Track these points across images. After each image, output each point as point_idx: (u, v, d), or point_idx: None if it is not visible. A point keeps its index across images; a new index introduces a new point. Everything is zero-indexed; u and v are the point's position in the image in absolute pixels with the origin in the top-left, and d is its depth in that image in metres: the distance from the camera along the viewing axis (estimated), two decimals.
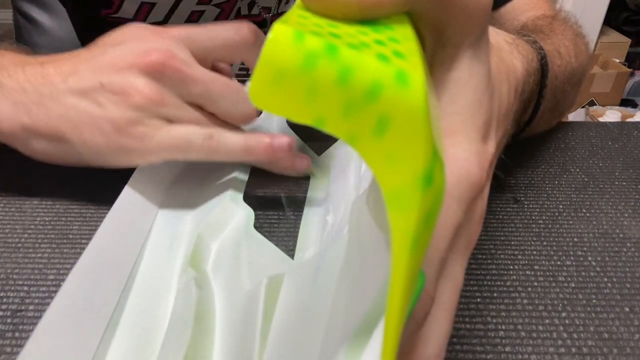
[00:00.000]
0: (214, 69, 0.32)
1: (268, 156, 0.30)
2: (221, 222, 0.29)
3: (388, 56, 0.11)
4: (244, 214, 0.29)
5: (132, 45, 0.28)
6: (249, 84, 0.11)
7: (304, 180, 0.35)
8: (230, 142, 0.29)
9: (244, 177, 0.33)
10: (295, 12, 0.13)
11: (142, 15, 0.46)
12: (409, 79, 0.11)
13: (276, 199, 0.34)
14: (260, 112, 0.32)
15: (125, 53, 0.28)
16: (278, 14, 0.48)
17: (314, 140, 0.38)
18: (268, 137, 0.30)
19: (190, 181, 0.33)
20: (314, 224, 0.31)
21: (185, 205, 0.31)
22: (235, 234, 0.28)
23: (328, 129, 0.11)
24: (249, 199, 0.31)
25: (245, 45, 0.30)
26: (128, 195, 0.28)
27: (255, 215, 0.30)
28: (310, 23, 0.12)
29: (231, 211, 0.29)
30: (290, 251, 0.29)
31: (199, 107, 0.29)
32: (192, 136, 0.28)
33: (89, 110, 0.28)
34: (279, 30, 0.11)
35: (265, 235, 0.28)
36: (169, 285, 0.25)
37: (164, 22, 0.46)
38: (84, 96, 0.28)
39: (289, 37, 0.11)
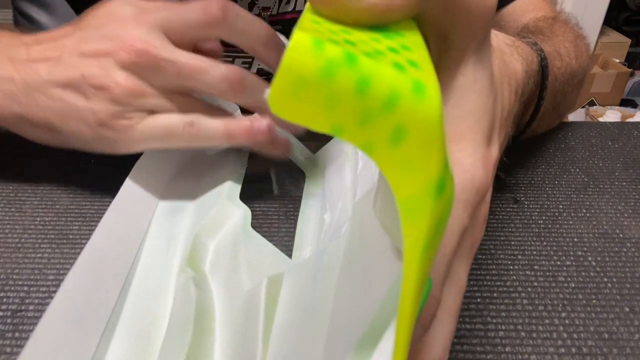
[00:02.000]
0: (200, 49, 0.32)
1: (249, 139, 0.30)
2: (218, 221, 0.29)
3: (404, 65, 0.11)
4: (241, 213, 0.29)
5: (111, 31, 0.29)
6: (268, 91, 0.11)
7: (300, 179, 0.35)
8: (210, 128, 0.29)
9: (240, 175, 0.33)
10: (308, 18, 0.13)
11: None
12: (425, 90, 0.11)
13: (273, 197, 0.34)
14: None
15: (105, 41, 0.28)
16: (278, 14, 0.48)
17: (309, 139, 0.38)
18: (248, 120, 0.30)
19: (186, 181, 0.33)
20: (311, 223, 0.31)
21: (182, 204, 0.31)
22: (233, 233, 0.28)
23: (345, 137, 0.11)
24: (245, 197, 0.31)
25: (215, 23, 0.29)
26: (125, 196, 0.28)
27: (252, 214, 0.30)
28: (325, 29, 0.12)
29: (228, 210, 0.29)
30: (288, 250, 0.29)
31: (181, 93, 0.29)
32: (172, 125, 0.29)
33: (73, 102, 0.29)
34: (299, 38, 0.11)
35: (262, 234, 0.28)
36: (167, 286, 0.25)
37: None
38: (67, 88, 0.29)
39: (308, 45, 0.11)
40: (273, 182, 0.35)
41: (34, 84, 0.29)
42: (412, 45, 0.13)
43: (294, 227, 0.31)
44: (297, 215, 0.32)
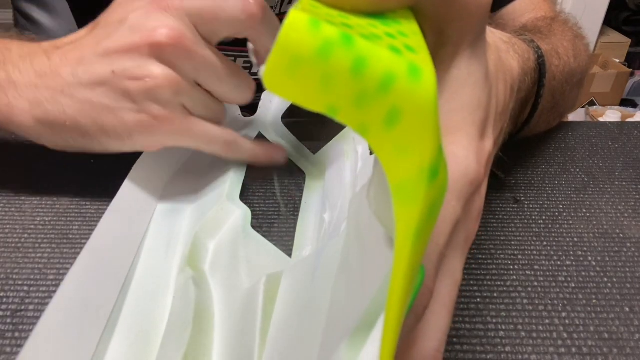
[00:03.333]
0: None
1: (266, 164, 0.34)
2: (218, 221, 0.29)
3: (400, 49, 0.11)
4: (241, 212, 0.29)
5: (136, 21, 0.27)
6: (263, 68, 0.11)
7: (300, 179, 0.35)
8: (242, 151, 0.32)
9: (240, 175, 0.33)
10: (306, 2, 0.13)
11: None
12: (421, 73, 0.11)
13: (273, 197, 0.34)
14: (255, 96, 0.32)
15: (131, 32, 0.27)
16: (280, 14, 0.48)
17: (309, 139, 0.38)
18: (271, 150, 0.34)
19: (186, 181, 0.33)
20: (311, 222, 0.31)
21: (182, 204, 0.31)
22: (233, 233, 0.28)
23: (340, 118, 0.11)
24: (245, 197, 0.31)
25: (252, 23, 0.28)
26: (124, 196, 0.28)
27: (252, 214, 0.30)
28: (323, 12, 0.12)
29: (228, 210, 0.29)
30: (287, 250, 0.29)
31: (203, 90, 0.29)
32: (214, 138, 0.30)
33: (105, 101, 0.27)
34: (295, 17, 0.11)
35: (262, 234, 0.28)
36: (167, 285, 0.25)
37: None
38: (96, 87, 0.27)
39: (305, 24, 0.11)
40: (275, 183, 0.36)
41: (59, 88, 0.28)
42: (408, 32, 0.13)
43: (294, 227, 0.31)
44: (297, 215, 0.32)
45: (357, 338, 0.15)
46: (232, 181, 0.32)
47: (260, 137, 0.39)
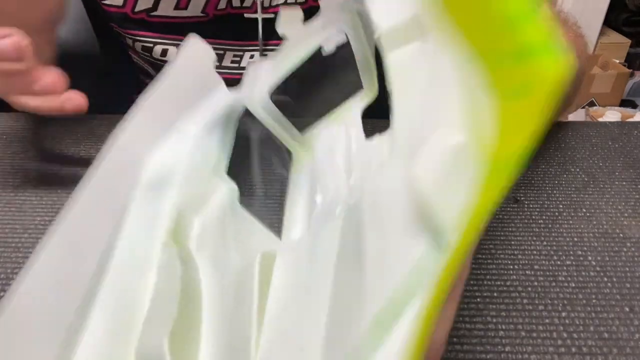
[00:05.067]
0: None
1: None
2: (202, 195, 0.28)
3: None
4: (227, 188, 0.28)
5: None
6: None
7: (287, 158, 0.35)
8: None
9: (227, 151, 0.32)
10: None
11: (131, 0, 0.46)
12: (568, 59, 0.11)
13: (259, 176, 0.33)
14: None
15: None
16: (270, 7, 0.47)
17: (298, 117, 0.37)
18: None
19: (171, 154, 0.31)
20: (300, 204, 0.30)
21: (166, 178, 0.29)
22: (219, 209, 0.27)
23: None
24: (232, 175, 0.31)
25: None
26: (105, 168, 0.27)
27: (239, 191, 0.29)
28: None
29: (213, 185, 0.28)
30: (276, 229, 0.29)
31: None
32: None
33: None
34: None
35: (249, 212, 0.28)
36: (150, 261, 0.24)
37: (152, 8, 0.46)
38: None
39: None
40: (261, 161, 0.35)
41: None
42: None
43: (281, 207, 0.31)
44: (284, 195, 0.31)
45: (382, 323, 0.14)
46: (218, 156, 0.31)
47: (247, 112, 0.38)
